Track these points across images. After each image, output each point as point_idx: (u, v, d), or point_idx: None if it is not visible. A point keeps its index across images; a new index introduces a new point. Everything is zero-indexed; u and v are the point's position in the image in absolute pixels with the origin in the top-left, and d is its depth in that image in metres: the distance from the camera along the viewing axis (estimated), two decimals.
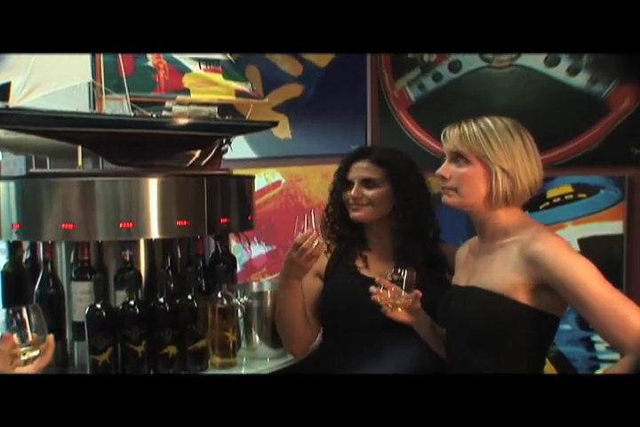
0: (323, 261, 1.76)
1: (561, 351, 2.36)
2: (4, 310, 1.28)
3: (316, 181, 2.96)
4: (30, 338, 1.25)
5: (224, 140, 1.99)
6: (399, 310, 1.52)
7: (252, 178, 2.02)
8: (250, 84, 2.02)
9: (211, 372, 1.71)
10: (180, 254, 1.84)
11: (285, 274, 1.70)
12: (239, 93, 1.99)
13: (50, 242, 1.74)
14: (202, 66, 1.94)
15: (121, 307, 1.66)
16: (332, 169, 1.85)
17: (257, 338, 1.85)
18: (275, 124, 2.14)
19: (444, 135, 1.45)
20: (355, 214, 1.75)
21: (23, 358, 1.23)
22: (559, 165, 2.36)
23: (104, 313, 1.62)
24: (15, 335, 1.23)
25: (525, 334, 1.36)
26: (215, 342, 1.73)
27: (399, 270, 1.52)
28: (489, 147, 1.37)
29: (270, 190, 3.13)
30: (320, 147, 2.95)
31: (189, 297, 1.70)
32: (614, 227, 2.30)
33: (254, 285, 2.07)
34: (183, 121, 1.84)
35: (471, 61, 2.54)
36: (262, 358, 1.83)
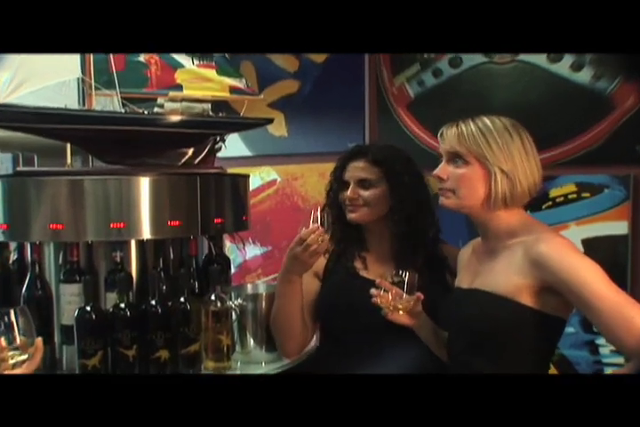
0: (321, 262, 1.76)
1: (564, 355, 2.36)
2: None
3: (313, 180, 2.96)
4: (18, 341, 1.24)
5: (218, 138, 1.98)
6: (400, 312, 1.52)
7: (246, 177, 2.02)
8: (244, 80, 2.02)
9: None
10: (172, 255, 1.84)
11: (287, 269, 1.69)
12: (233, 90, 1.98)
13: (38, 243, 1.73)
14: (195, 61, 1.93)
15: (111, 310, 1.65)
16: (328, 167, 1.85)
17: (251, 342, 1.84)
18: (270, 121, 2.13)
19: (441, 135, 1.44)
20: (351, 216, 1.74)
21: (11, 362, 1.22)
22: (562, 163, 2.37)
23: (94, 316, 1.62)
24: (2, 339, 1.23)
25: (530, 338, 1.37)
26: (208, 345, 1.72)
27: (400, 272, 1.51)
28: (488, 147, 1.37)
29: (265, 189, 3.13)
30: (317, 145, 2.95)
31: (182, 299, 1.70)
32: (619, 227, 2.30)
33: (249, 287, 2.06)
34: (175, 118, 1.83)
35: (472, 57, 2.54)
36: (257, 363, 1.83)
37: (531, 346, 1.37)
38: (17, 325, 1.25)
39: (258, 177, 3.09)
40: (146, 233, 1.69)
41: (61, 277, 1.74)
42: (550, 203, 2.39)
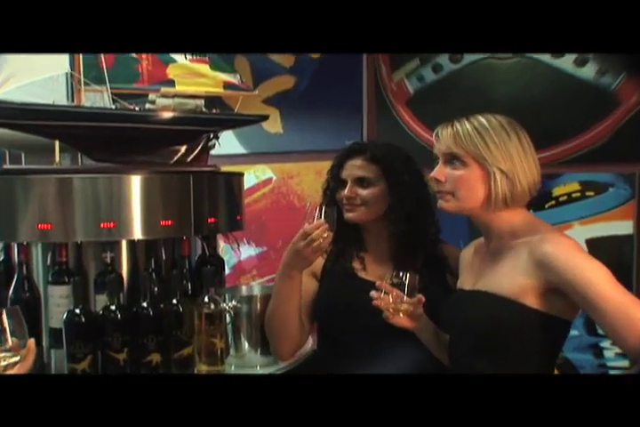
0: (319, 262, 1.75)
1: (568, 358, 2.36)
2: None
3: (309, 179, 2.96)
4: (10, 343, 1.24)
5: (211, 135, 1.98)
6: (401, 315, 1.52)
7: (241, 175, 2.01)
8: (238, 76, 2.02)
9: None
10: (164, 256, 1.83)
11: (287, 264, 1.68)
12: (227, 85, 1.98)
13: (25, 243, 1.73)
14: (187, 56, 1.93)
15: (101, 312, 1.64)
16: (325, 166, 1.84)
17: (246, 345, 1.84)
18: (265, 117, 2.13)
19: (436, 135, 1.44)
20: (348, 215, 1.74)
21: (3, 363, 1.22)
22: (566, 161, 2.37)
23: (83, 319, 1.61)
24: None
25: (535, 340, 1.37)
26: (202, 349, 1.71)
27: (400, 274, 1.51)
28: (485, 147, 1.37)
29: (260, 188, 3.12)
30: (313, 142, 2.94)
31: (174, 301, 1.69)
32: (624, 227, 2.30)
33: (243, 288, 2.06)
34: (168, 114, 1.83)
35: None
36: (252, 366, 1.82)
37: (535, 349, 1.37)
38: (8, 326, 1.24)
39: (253, 175, 3.09)
40: (137, 233, 1.68)
41: (50, 279, 1.73)
42: (553, 202, 2.39)
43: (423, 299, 1.51)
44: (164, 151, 1.89)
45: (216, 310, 1.72)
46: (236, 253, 2.76)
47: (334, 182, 1.79)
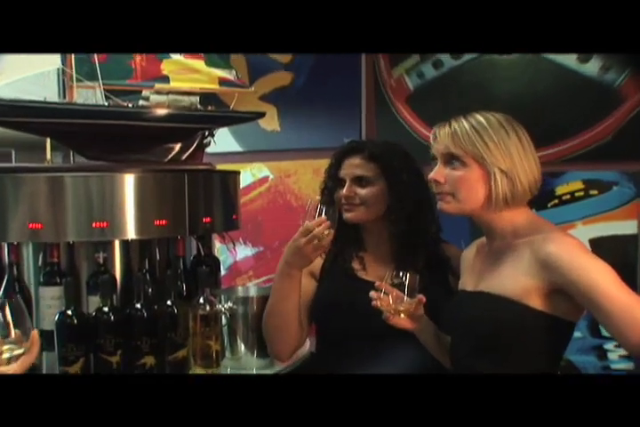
0: (317, 262, 1.75)
1: (571, 360, 2.36)
2: None
3: (307, 177, 2.96)
4: (13, 335, 1.24)
5: (206, 133, 1.98)
6: (401, 316, 1.52)
7: (236, 173, 2.01)
8: (234, 72, 2.01)
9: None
10: (158, 256, 1.83)
11: (286, 262, 1.67)
12: (223, 81, 1.98)
13: (15, 243, 1.72)
14: None
15: (94, 314, 1.64)
16: (323, 164, 1.84)
17: (242, 347, 1.84)
18: (262, 114, 2.13)
19: (434, 135, 1.44)
20: (347, 215, 1.74)
21: (6, 356, 1.22)
22: (569, 159, 2.36)
23: (75, 321, 1.61)
24: None
25: (538, 342, 1.37)
26: (197, 351, 1.72)
27: (400, 274, 1.51)
28: (485, 146, 1.37)
29: (257, 187, 3.12)
30: (311, 140, 2.94)
31: (169, 303, 1.69)
32: (628, 226, 2.30)
33: (239, 289, 2.06)
34: (162, 111, 1.83)
35: None
36: (248, 369, 1.82)
37: (538, 350, 1.37)
38: (11, 318, 1.24)
39: (249, 174, 3.09)
40: (130, 233, 1.68)
41: (41, 280, 1.73)
42: (556, 201, 2.39)
43: (424, 299, 1.50)
44: (158, 149, 1.89)
45: (211, 311, 1.72)
46: (231, 253, 2.76)
47: (332, 182, 1.78)
